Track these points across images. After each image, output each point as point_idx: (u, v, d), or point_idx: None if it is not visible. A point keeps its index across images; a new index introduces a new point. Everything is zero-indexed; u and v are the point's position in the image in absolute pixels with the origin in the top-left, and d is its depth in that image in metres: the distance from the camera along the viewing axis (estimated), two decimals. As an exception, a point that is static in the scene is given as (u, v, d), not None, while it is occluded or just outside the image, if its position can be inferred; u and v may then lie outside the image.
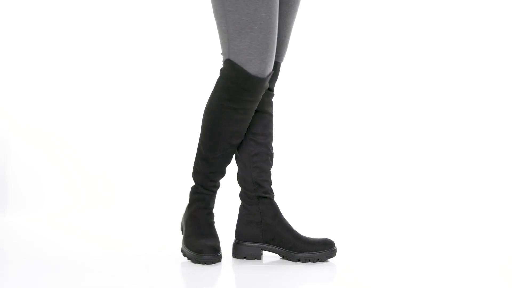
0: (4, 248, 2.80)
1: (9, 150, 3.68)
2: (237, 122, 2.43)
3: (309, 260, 2.47)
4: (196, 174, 2.56)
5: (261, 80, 2.36)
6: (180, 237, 2.85)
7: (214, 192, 2.59)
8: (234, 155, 2.53)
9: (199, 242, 2.47)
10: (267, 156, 2.53)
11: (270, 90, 2.55)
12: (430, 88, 3.81)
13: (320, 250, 2.47)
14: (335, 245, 2.50)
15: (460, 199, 3.57)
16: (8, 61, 3.75)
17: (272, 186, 2.57)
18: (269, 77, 2.39)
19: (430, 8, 3.82)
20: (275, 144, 2.63)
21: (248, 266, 2.44)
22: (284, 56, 2.56)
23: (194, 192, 2.57)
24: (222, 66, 2.44)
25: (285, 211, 2.63)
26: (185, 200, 2.63)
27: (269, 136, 2.54)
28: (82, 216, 3.46)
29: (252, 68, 2.34)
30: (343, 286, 2.25)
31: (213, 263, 2.44)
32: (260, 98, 2.43)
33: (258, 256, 2.52)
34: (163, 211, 3.52)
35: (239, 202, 2.59)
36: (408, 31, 3.83)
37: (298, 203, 3.48)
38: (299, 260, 2.47)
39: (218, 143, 2.46)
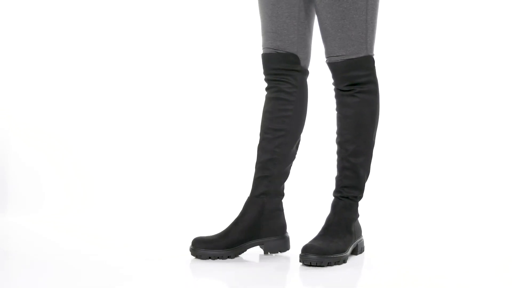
0: (4, 248, 2.80)
1: (9, 150, 3.68)
2: (267, 101, 2.59)
3: None
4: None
5: (265, 57, 2.58)
6: (181, 236, 2.86)
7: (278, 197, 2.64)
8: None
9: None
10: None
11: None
12: (432, 88, 3.81)
13: None
14: None
15: (460, 199, 3.57)
16: (8, 61, 3.75)
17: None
18: (277, 57, 2.55)
19: (434, 8, 3.82)
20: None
21: (248, 266, 2.43)
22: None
23: None
24: None
25: (289, 211, 2.63)
26: (186, 199, 2.63)
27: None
28: (82, 216, 3.45)
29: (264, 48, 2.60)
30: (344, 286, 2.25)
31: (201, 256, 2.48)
32: (275, 76, 2.57)
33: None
34: (163, 211, 3.52)
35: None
36: (409, 31, 3.83)
37: (301, 204, 3.48)
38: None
39: (263, 123, 2.60)
